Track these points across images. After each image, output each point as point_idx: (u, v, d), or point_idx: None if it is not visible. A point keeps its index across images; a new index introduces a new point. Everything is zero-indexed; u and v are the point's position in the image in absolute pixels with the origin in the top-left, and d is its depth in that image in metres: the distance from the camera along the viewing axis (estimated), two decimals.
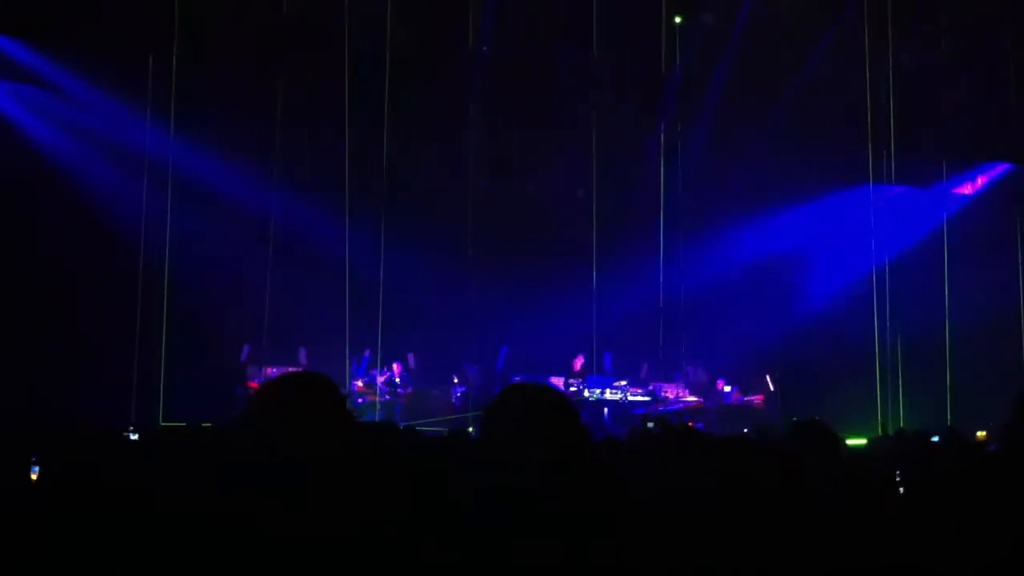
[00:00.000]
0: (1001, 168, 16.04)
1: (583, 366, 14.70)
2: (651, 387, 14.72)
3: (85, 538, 2.76)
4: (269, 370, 14.14)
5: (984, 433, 11.14)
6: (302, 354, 14.30)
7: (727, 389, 14.86)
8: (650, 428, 7.23)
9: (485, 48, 14.41)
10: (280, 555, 2.37)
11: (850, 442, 8.94)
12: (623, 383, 14.59)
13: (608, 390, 14.48)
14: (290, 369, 14.02)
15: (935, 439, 4.69)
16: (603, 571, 2.37)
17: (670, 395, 14.70)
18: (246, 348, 14.11)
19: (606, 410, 14.29)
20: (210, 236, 13.33)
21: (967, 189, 16.28)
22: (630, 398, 14.48)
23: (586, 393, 14.35)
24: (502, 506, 2.40)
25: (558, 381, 14.55)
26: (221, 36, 13.21)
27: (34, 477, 3.62)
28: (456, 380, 14.71)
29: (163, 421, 12.20)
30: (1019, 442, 3.08)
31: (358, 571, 2.39)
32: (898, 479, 3.79)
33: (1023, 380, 13.14)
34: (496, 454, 2.49)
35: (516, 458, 2.44)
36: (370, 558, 2.40)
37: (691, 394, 14.79)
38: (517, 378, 14.64)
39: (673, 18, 14.51)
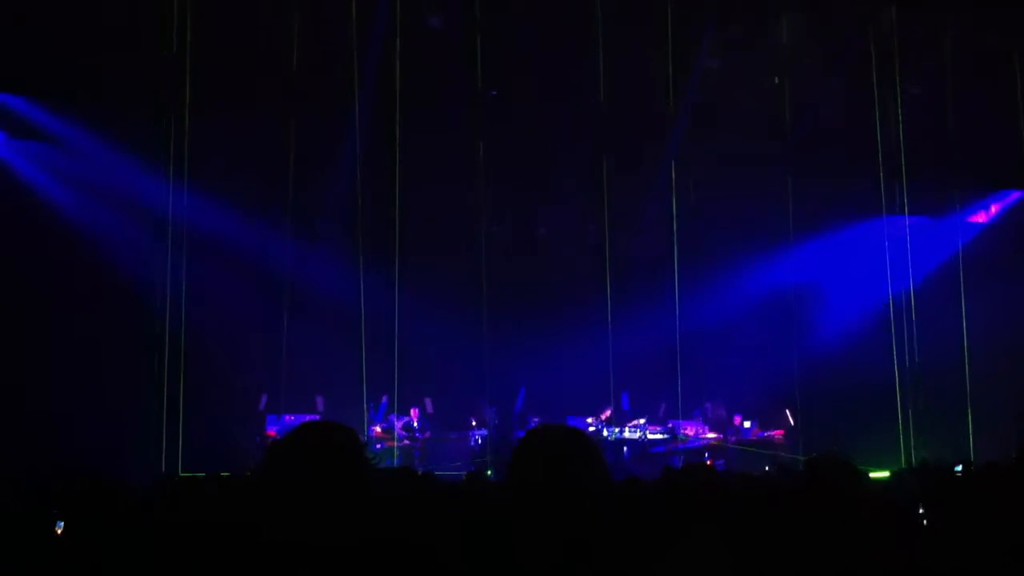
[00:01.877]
0: (1014, 195, 16.03)
1: (609, 416, 14.64)
2: (670, 425, 14.66)
3: None
4: (287, 418, 14.17)
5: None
6: (319, 401, 14.32)
7: (746, 425, 14.78)
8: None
9: (494, 92, 14.50)
10: None
11: (873, 475, 8.88)
12: (642, 422, 14.55)
13: (627, 429, 14.44)
14: (308, 417, 14.08)
15: (958, 469, 4.67)
16: None
17: (689, 432, 14.63)
18: (264, 397, 14.15)
19: (626, 449, 14.24)
20: (226, 287, 13.40)
21: (981, 217, 16.25)
22: (649, 436, 14.42)
23: (605, 432, 14.31)
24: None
25: (578, 422, 14.51)
26: (231, 88, 13.34)
27: (59, 532, 3.64)
28: (474, 423, 14.68)
29: (182, 471, 12.20)
30: None
31: None
32: (921, 512, 3.77)
33: None
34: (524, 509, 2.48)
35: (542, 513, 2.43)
36: None
37: (710, 431, 14.72)
38: (536, 420, 14.62)
39: (678, 57, 14.53)
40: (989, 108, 14.56)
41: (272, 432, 13.98)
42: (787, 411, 14.69)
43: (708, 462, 13.86)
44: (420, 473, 6.26)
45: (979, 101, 14.57)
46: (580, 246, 15.55)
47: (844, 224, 15.65)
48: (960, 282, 14.91)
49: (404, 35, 13.43)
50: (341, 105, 13.74)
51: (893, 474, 7.77)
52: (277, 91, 13.72)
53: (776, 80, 14.73)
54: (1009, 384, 14.12)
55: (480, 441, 14.48)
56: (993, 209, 16.16)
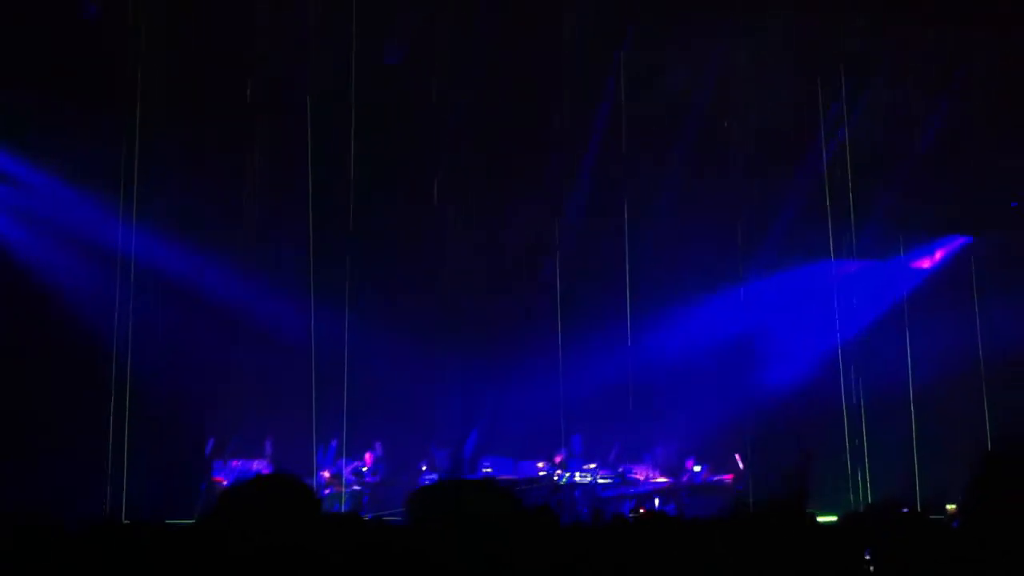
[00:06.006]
0: (958, 241, 16.32)
1: (562, 460, 14.58)
2: (621, 469, 14.62)
3: None
4: (234, 463, 13.95)
5: (954, 506, 11.12)
6: (268, 445, 14.11)
7: (697, 469, 14.79)
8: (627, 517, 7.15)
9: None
10: None
11: (821, 519, 8.89)
12: (593, 466, 14.50)
13: (578, 473, 14.38)
14: (255, 463, 13.87)
15: (905, 510, 4.68)
16: None
17: (640, 476, 14.61)
18: (210, 441, 13.91)
19: (576, 493, 14.18)
20: (175, 327, 13.23)
21: (926, 263, 16.52)
22: (600, 480, 14.38)
23: (555, 477, 14.25)
24: None
25: (529, 466, 14.47)
26: (179, 120, 13.13)
27: None
28: (424, 467, 14.55)
29: (126, 517, 11.93)
30: (977, 519, 3.07)
31: None
32: (868, 558, 3.76)
33: (985, 445, 13.26)
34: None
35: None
36: None
37: (661, 475, 14.70)
38: (487, 463, 14.53)
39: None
40: (936, 155, 14.82)
41: (219, 479, 13.75)
42: (736, 455, 14.73)
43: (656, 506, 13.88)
44: (369, 518, 6.16)
45: (926, 148, 14.83)
46: (533, 290, 15.54)
47: (793, 266, 15.84)
48: (905, 325, 15.11)
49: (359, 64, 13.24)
50: (294, 138, 13.58)
51: (840, 517, 7.80)
52: (230, 120, 13.53)
53: (725, 124, 14.89)
54: (954, 423, 14.29)
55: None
56: (938, 255, 16.44)
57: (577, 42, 13.37)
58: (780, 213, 15.49)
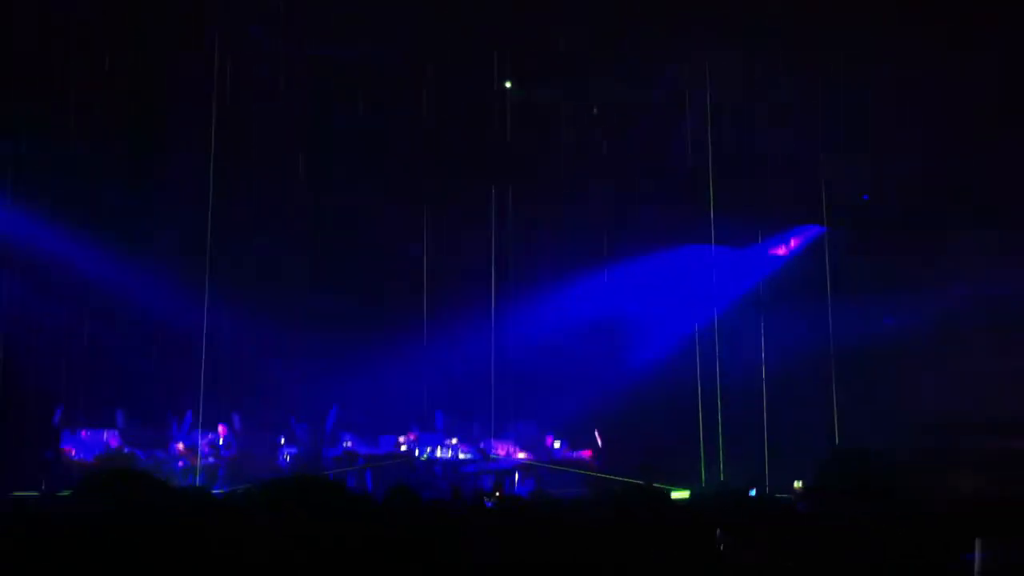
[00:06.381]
0: (813, 230, 16.89)
1: (415, 438, 14.59)
2: (482, 445, 14.73)
3: None
4: (83, 433, 13.51)
5: (800, 484, 11.58)
6: (119, 416, 13.71)
7: (556, 445, 15.01)
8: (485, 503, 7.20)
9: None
10: None
11: (675, 495, 9.15)
12: (454, 441, 14.57)
13: (439, 448, 14.45)
14: (105, 432, 13.46)
15: (752, 493, 4.85)
16: None
17: (500, 452, 14.74)
18: (58, 410, 13.41)
19: (436, 469, 14.23)
20: (20, 290, 12.72)
21: (781, 250, 17.06)
22: (461, 456, 14.46)
23: (416, 452, 14.28)
24: None
25: (388, 441, 14.48)
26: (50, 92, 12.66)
27: None
28: (283, 441, 14.36)
29: None
30: (822, 503, 3.25)
31: None
32: (719, 535, 3.88)
33: (831, 428, 13.87)
34: None
35: None
36: None
37: (521, 450, 14.87)
38: (348, 437, 14.45)
39: (503, 83, 14.66)
40: (793, 141, 15.27)
41: (68, 448, 13.30)
42: (596, 432, 15.02)
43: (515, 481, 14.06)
44: (224, 492, 6.05)
45: (786, 138, 15.26)
46: (400, 262, 15.47)
47: (654, 251, 16.18)
48: (759, 311, 15.60)
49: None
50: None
51: (692, 493, 8.05)
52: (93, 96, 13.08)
53: (595, 110, 15.09)
54: (804, 407, 14.84)
55: (288, 459, 14.16)
56: (793, 243, 17.00)
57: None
58: (644, 198, 15.77)
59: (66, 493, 2.68)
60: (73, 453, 13.23)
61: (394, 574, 2.52)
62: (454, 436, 14.69)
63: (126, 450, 13.51)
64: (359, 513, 2.89)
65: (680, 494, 9.82)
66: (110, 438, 13.55)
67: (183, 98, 13.28)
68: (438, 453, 14.37)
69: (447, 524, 3.80)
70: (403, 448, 14.35)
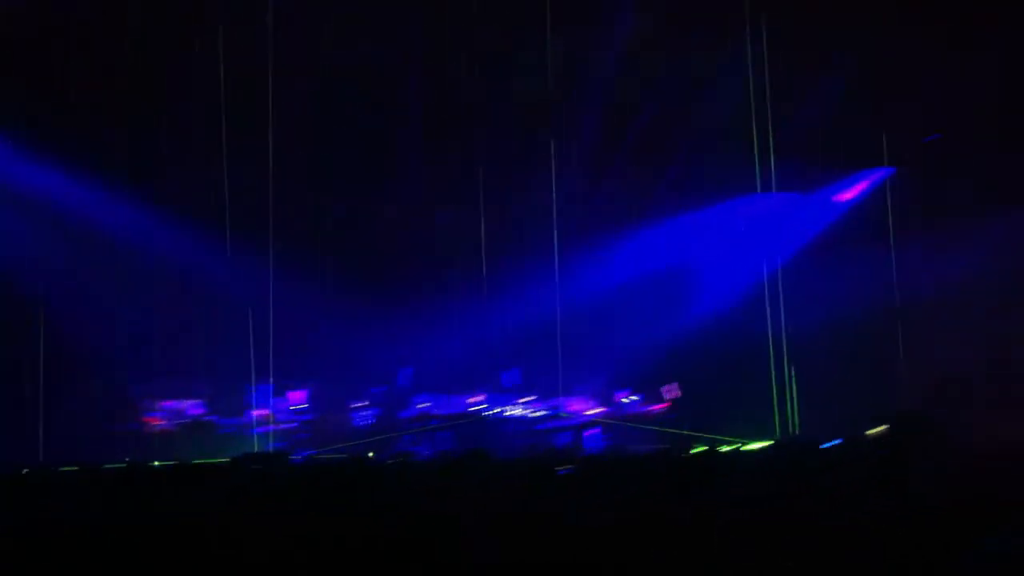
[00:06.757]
0: (881, 173, 16.58)
1: (485, 399, 14.75)
2: (554, 402, 14.80)
3: None
4: (166, 404, 13.88)
5: (876, 430, 11.47)
6: (198, 385, 14.06)
7: (626, 400, 15.03)
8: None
9: None
10: None
11: (754, 446, 9.15)
12: (527, 399, 14.67)
13: (510, 406, 14.55)
14: (187, 402, 13.83)
15: (827, 445, 4.85)
16: None
17: (572, 409, 14.81)
18: (139, 384, 13.82)
19: (509, 428, 14.35)
20: (94, 272, 13.07)
21: (849, 194, 16.78)
22: (533, 414, 14.56)
23: (487, 411, 14.41)
24: None
25: (461, 400, 14.62)
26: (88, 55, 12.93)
27: None
28: (357, 405, 14.60)
29: (53, 462, 11.81)
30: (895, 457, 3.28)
31: None
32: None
33: (901, 376, 13.73)
34: None
35: None
36: None
37: (593, 407, 14.92)
38: (423, 397, 14.64)
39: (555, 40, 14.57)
40: (856, 85, 14.99)
41: (153, 419, 13.69)
42: (674, 385, 14.93)
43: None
44: (302, 457, 6.20)
45: (845, 79, 14.98)
46: (459, 228, 15.55)
47: (717, 201, 16.03)
48: (829, 257, 15.39)
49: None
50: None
51: (770, 446, 8.03)
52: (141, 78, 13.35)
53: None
54: (875, 354, 14.68)
55: (372, 421, 14.43)
56: (859, 187, 16.70)
57: None
58: (705, 147, 15.61)
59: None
60: (158, 424, 13.61)
61: (394, 574, 2.59)
62: (524, 395, 14.79)
63: (206, 419, 13.88)
64: (360, 512, 2.92)
65: (755, 446, 9.81)
66: (191, 407, 13.91)
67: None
68: (508, 411, 14.48)
69: (447, 524, 3.84)
70: (474, 408, 14.49)
